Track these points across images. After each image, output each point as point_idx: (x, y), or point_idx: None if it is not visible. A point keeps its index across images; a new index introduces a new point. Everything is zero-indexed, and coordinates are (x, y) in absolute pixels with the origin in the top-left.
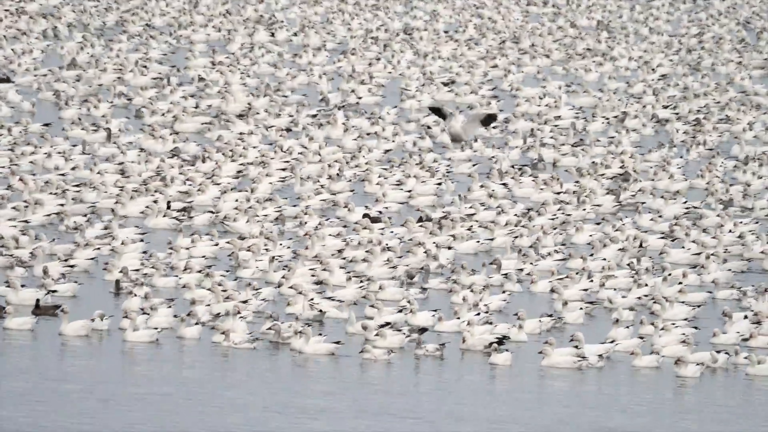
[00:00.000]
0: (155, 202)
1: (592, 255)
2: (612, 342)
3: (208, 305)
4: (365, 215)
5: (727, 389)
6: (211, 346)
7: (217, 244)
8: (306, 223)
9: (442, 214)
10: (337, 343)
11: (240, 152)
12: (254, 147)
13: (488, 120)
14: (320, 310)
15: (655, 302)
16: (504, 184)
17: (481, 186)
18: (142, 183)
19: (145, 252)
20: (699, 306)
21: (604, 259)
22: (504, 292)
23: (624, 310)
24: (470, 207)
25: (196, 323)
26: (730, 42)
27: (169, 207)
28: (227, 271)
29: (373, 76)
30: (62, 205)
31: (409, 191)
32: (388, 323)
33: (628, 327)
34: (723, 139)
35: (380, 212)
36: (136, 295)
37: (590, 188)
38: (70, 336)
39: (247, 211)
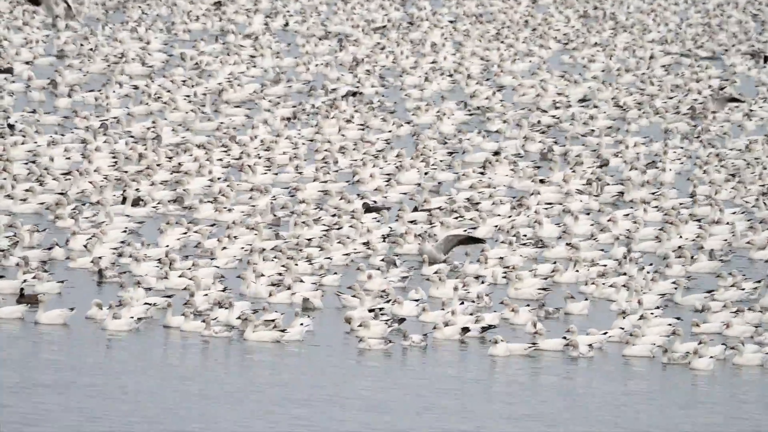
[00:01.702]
0: (137, 189)
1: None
2: (605, 333)
3: (206, 294)
4: (365, 204)
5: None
6: (182, 334)
7: (186, 232)
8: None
9: (437, 204)
10: (282, 331)
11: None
12: (256, 137)
13: (469, 242)
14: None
15: (626, 288)
16: (482, 172)
17: (464, 175)
18: (123, 171)
19: (123, 242)
20: (665, 295)
21: (602, 250)
22: (483, 282)
23: (626, 302)
24: (468, 198)
25: (193, 313)
26: (727, 30)
27: (124, 201)
28: (217, 267)
29: (376, 65)
30: (62, 193)
31: (388, 181)
32: (374, 310)
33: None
34: (723, 129)
35: (375, 201)
36: (141, 286)
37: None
38: (45, 324)
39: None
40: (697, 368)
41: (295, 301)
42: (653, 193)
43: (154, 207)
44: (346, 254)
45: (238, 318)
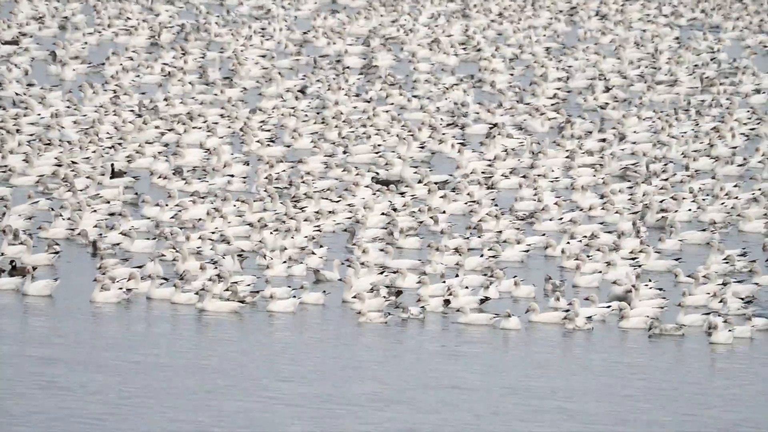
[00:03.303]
0: (128, 160)
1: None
2: (607, 306)
3: (215, 267)
4: (374, 177)
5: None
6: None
7: (177, 204)
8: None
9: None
10: (242, 302)
11: (236, 115)
12: (260, 110)
13: None
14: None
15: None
16: (463, 143)
17: (458, 151)
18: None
19: (113, 214)
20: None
21: (602, 223)
22: (482, 255)
23: (632, 275)
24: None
25: (183, 285)
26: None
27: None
28: (213, 234)
29: (391, 38)
30: (59, 165)
31: (378, 152)
32: (396, 289)
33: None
34: (731, 102)
35: (377, 173)
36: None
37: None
38: (32, 295)
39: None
40: (716, 342)
41: (294, 274)
42: (634, 164)
43: (134, 177)
44: (317, 230)
45: (227, 290)
